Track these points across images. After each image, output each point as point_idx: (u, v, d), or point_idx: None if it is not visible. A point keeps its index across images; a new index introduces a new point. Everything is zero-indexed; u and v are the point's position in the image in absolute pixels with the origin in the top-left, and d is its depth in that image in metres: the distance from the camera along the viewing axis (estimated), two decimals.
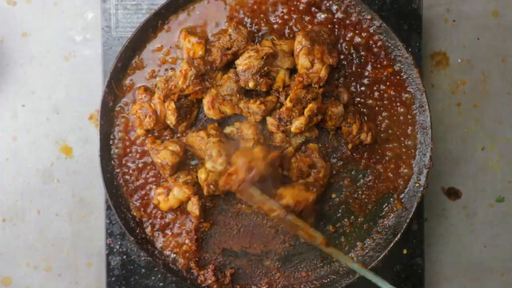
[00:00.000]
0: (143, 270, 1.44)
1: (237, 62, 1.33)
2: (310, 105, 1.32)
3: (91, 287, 1.51)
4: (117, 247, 1.44)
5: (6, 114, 1.50)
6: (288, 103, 1.33)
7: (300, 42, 1.33)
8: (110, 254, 1.44)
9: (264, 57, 1.32)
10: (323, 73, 1.32)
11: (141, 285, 1.44)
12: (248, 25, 1.39)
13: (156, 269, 1.44)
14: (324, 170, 1.37)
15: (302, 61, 1.32)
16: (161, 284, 1.44)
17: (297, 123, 1.32)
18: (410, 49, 1.43)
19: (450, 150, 1.54)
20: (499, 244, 1.55)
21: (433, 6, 1.54)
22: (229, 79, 1.35)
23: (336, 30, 1.39)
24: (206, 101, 1.35)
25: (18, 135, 1.50)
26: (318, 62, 1.32)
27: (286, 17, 1.39)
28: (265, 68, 1.32)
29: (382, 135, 1.40)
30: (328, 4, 1.39)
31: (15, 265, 1.50)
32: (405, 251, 1.46)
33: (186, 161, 1.40)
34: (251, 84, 1.32)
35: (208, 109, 1.35)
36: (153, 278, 1.44)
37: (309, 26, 1.39)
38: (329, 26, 1.39)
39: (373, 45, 1.39)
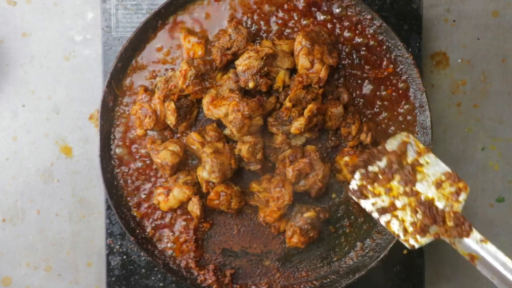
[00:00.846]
0: (143, 270, 1.44)
1: (237, 62, 1.33)
2: (309, 106, 1.32)
3: (91, 287, 1.52)
4: (117, 247, 1.44)
5: (6, 114, 1.50)
6: (287, 103, 1.33)
7: (300, 43, 1.33)
8: (110, 254, 1.44)
9: (264, 57, 1.31)
10: (323, 73, 1.32)
11: (141, 285, 1.44)
12: (248, 25, 1.39)
13: (156, 269, 1.44)
14: (323, 172, 1.36)
15: (302, 62, 1.32)
16: (161, 284, 1.44)
17: (297, 124, 1.32)
18: (410, 49, 1.43)
19: (450, 150, 1.54)
20: (499, 244, 1.53)
21: (433, 6, 1.54)
22: (229, 79, 1.35)
23: (337, 30, 1.39)
24: (205, 101, 1.35)
25: (18, 135, 1.50)
26: (318, 62, 1.32)
27: (286, 17, 1.39)
28: (265, 69, 1.32)
29: (382, 135, 1.40)
30: (328, 4, 1.39)
31: (15, 265, 1.50)
32: (405, 251, 1.45)
33: (187, 161, 1.40)
34: (251, 85, 1.32)
35: (207, 110, 1.34)
36: (153, 278, 1.44)
37: (310, 26, 1.39)
38: (329, 26, 1.39)
39: (373, 45, 1.39)
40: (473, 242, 1.17)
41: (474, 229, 1.18)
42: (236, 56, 1.35)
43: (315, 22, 1.39)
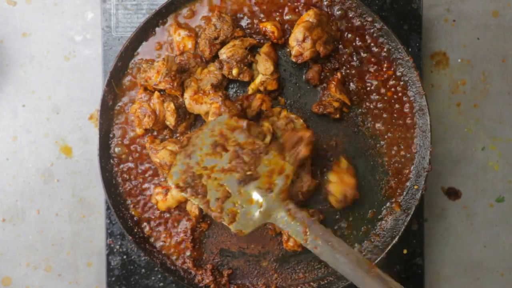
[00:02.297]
0: (143, 270, 1.44)
1: (221, 51, 1.34)
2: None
3: (91, 287, 1.52)
4: (117, 247, 1.44)
5: (6, 114, 1.50)
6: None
7: (309, 15, 1.33)
8: (110, 254, 1.44)
9: (248, 47, 1.33)
10: (307, 54, 1.33)
11: (141, 285, 1.44)
12: (248, 25, 1.39)
13: (156, 269, 1.44)
14: (308, 187, 1.35)
15: (297, 33, 1.33)
16: (161, 284, 1.44)
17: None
18: (410, 49, 1.43)
19: (450, 150, 1.54)
20: (499, 244, 1.54)
21: (433, 6, 1.54)
22: (209, 73, 1.34)
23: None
24: (188, 95, 1.34)
25: (18, 135, 1.50)
26: (310, 42, 1.32)
27: (286, 17, 1.39)
28: (248, 57, 1.33)
29: (381, 137, 1.40)
30: (329, 7, 1.38)
31: (15, 265, 1.51)
32: (405, 251, 1.45)
33: None
34: (234, 71, 1.32)
35: (189, 104, 1.34)
36: (153, 278, 1.44)
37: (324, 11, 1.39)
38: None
39: (374, 47, 1.39)
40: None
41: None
42: (224, 45, 1.36)
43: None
